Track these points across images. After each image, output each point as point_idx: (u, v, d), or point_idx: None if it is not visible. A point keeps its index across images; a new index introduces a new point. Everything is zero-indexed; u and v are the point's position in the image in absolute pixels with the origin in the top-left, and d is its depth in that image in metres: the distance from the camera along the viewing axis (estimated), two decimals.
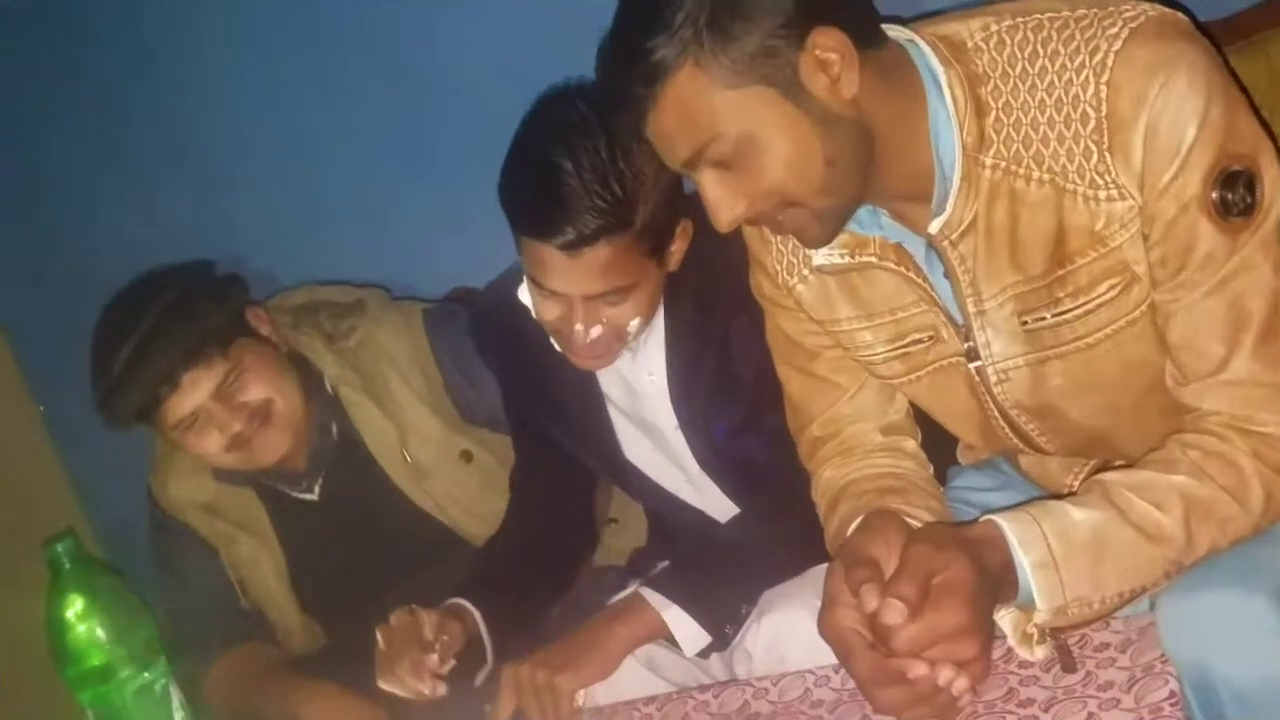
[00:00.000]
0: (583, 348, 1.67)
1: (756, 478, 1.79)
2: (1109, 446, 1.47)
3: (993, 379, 1.41)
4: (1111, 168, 1.24)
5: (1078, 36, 1.25)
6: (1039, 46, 1.27)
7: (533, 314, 1.70)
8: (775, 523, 1.70)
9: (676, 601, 1.67)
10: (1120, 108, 1.22)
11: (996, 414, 1.45)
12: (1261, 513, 1.25)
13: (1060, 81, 1.25)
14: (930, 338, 1.43)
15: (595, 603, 1.82)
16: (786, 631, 1.56)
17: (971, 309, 1.37)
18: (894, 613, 1.16)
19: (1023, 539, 1.21)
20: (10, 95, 2.59)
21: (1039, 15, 1.29)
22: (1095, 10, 1.26)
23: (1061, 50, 1.25)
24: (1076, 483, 1.51)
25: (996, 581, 1.20)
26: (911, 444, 1.54)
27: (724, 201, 1.31)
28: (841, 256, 1.41)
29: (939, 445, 1.59)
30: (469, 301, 2.16)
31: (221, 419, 1.91)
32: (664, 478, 1.89)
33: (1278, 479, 1.25)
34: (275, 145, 2.43)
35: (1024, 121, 1.27)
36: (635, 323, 1.66)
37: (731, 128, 1.25)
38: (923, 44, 1.31)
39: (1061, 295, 1.32)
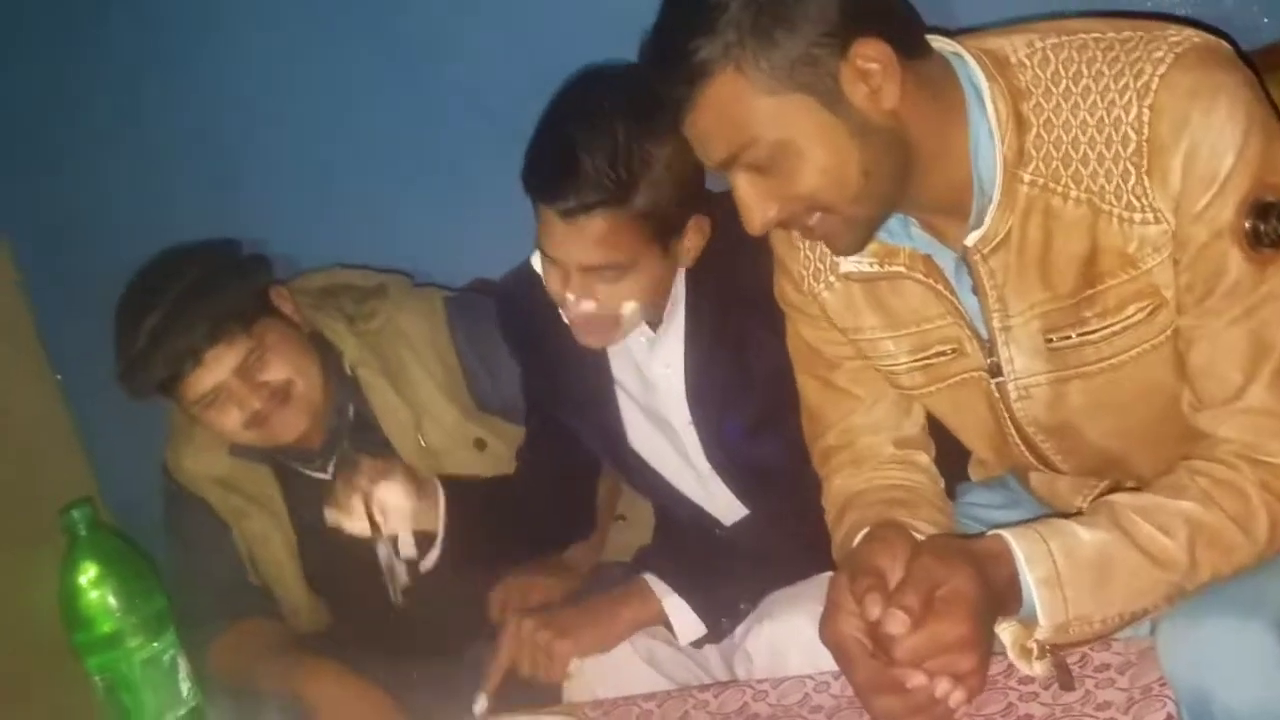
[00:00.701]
0: (576, 318, 1.71)
1: (766, 480, 1.80)
2: (1122, 468, 1.47)
3: (1013, 395, 1.41)
4: (1149, 191, 1.24)
5: (1123, 58, 1.25)
6: (1083, 66, 1.27)
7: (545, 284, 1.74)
8: (783, 526, 1.71)
9: (676, 590, 1.70)
10: (1161, 132, 1.22)
11: (1013, 430, 1.46)
12: (1267, 542, 1.25)
13: (1103, 102, 1.25)
14: (953, 351, 1.43)
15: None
16: (787, 636, 1.57)
17: (997, 325, 1.37)
18: (897, 622, 1.16)
19: (1029, 555, 1.22)
20: (26, 79, 2.60)
21: (1084, 35, 1.29)
22: (1140, 33, 1.27)
23: (1106, 71, 1.25)
24: (1085, 504, 1.51)
25: (1000, 596, 1.20)
26: (924, 458, 1.54)
27: (757, 204, 1.32)
28: (870, 265, 1.42)
29: (951, 461, 1.59)
30: (489, 290, 2.17)
31: (242, 396, 1.91)
32: (672, 474, 1.90)
33: None
34: (290, 137, 2.45)
35: (1064, 139, 1.27)
36: (630, 306, 1.69)
37: (769, 134, 1.26)
38: (967, 57, 1.32)
39: (1089, 315, 1.32)
